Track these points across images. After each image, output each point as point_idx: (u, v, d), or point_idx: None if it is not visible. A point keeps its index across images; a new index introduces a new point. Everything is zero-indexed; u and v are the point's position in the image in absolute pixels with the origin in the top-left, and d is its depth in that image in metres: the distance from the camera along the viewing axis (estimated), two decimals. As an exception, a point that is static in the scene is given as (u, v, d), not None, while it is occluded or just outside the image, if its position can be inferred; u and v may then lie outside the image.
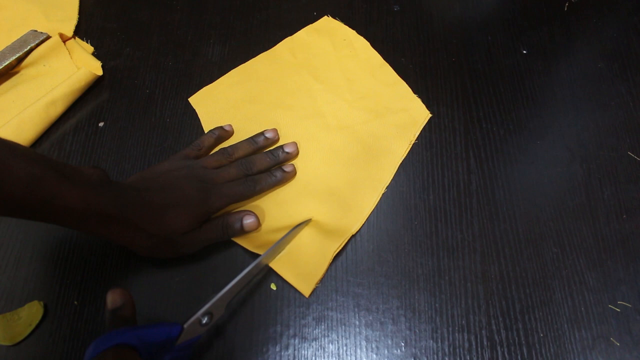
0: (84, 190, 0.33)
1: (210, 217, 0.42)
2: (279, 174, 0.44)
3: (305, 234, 0.43)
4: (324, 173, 0.46)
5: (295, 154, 0.46)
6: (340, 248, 0.42)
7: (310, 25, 0.56)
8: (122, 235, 0.36)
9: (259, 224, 0.42)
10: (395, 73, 0.52)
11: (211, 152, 0.47)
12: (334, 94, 0.51)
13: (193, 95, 0.51)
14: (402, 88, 0.51)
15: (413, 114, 0.49)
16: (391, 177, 0.46)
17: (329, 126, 0.49)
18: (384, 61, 0.53)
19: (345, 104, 0.50)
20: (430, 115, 0.49)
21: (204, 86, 0.52)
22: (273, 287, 0.41)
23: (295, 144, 0.46)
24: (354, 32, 0.55)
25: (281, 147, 0.46)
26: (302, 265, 0.41)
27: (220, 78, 0.52)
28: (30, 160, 0.31)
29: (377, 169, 0.46)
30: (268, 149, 0.46)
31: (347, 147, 0.47)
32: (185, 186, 0.40)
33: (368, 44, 0.54)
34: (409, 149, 0.47)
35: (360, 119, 0.49)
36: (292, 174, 0.45)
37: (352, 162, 0.47)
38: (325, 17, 0.56)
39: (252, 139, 0.47)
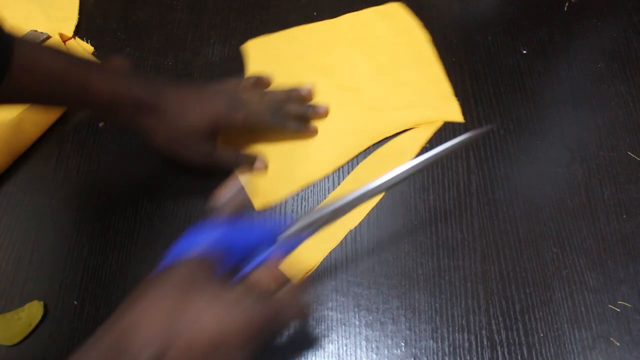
0: (115, 77, 0.38)
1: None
2: (302, 125, 0.47)
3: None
4: (340, 147, 0.48)
5: (323, 115, 0.48)
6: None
7: (379, 6, 0.57)
8: (146, 122, 0.39)
9: (265, 170, 0.46)
10: (443, 72, 0.52)
11: None
12: (377, 74, 0.52)
13: (251, 40, 0.54)
14: (444, 87, 0.51)
15: (444, 114, 0.49)
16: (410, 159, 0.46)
17: (361, 102, 0.50)
18: (436, 58, 0.53)
19: (383, 86, 0.51)
20: (462, 121, 0.49)
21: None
22: None
23: (326, 107, 0.48)
24: (417, 23, 0.55)
25: (312, 105, 0.48)
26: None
27: (279, 32, 0.55)
28: (61, 54, 0.36)
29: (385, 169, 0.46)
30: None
31: (370, 127, 0.48)
32: (215, 94, 0.43)
33: (426, 38, 0.54)
34: (418, 151, 0.47)
35: (392, 105, 0.50)
36: (312, 133, 0.47)
37: (368, 144, 0.48)
38: (397, 2, 0.57)
39: (287, 90, 0.48)
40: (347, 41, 0.54)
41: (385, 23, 0.55)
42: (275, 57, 0.53)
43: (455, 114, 0.49)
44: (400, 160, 0.46)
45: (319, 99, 0.50)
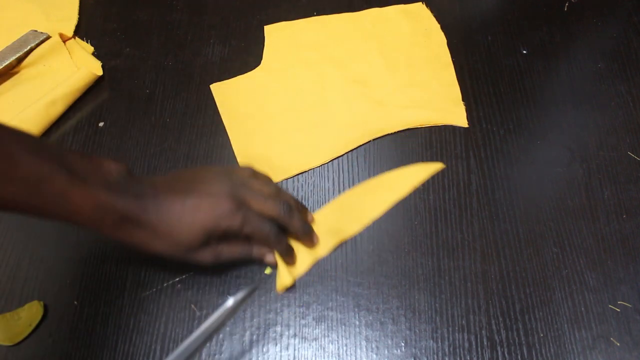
0: (96, 190, 0.32)
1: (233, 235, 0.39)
2: (287, 250, 0.41)
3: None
4: (341, 138, 0.48)
5: (313, 245, 0.42)
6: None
7: (402, 5, 0.57)
8: (137, 238, 0.35)
9: (275, 264, 0.41)
10: (455, 76, 0.52)
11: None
12: (389, 71, 0.52)
13: (273, 24, 0.55)
14: (455, 92, 0.51)
15: (450, 118, 0.49)
16: (399, 198, 0.45)
17: (369, 96, 0.50)
18: (451, 62, 0.53)
19: (393, 83, 0.51)
20: (467, 126, 0.49)
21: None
22: (267, 271, 0.42)
23: (318, 238, 0.43)
24: (438, 26, 0.55)
25: (313, 233, 0.42)
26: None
27: (301, 20, 0.56)
28: (40, 156, 0.30)
29: (392, 181, 0.46)
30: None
31: (374, 122, 0.49)
32: (215, 195, 0.37)
33: (445, 41, 0.54)
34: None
35: (400, 103, 0.50)
36: (290, 263, 0.42)
37: (368, 138, 0.48)
38: (420, 3, 0.57)
39: (298, 201, 0.44)
40: (366, 35, 0.55)
41: (407, 22, 0.56)
42: (292, 43, 0.55)
43: (460, 119, 0.49)
44: (390, 196, 0.45)
45: (328, 90, 0.51)
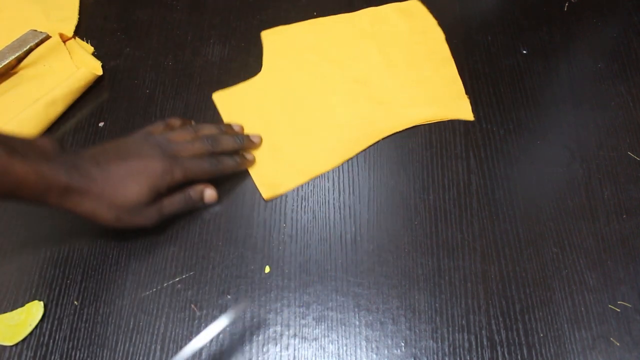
0: (37, 163, 0.34)
1: (171, 189, 0.41)
2: (239, 159, 0.45)
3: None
4: (348, 140, 0.48)
5: (258, 145, 0.47)
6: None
7: (398, 3, 0.57)
8: (83, 207, 0.37)
9: (217, 197, 0.44)
10: (456, 70, 0.52)
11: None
12: (390, 70, 0.52)
13: (269, 29, 0.55)
14: (457, 86, 0.51)
15: (455, 112, 0.49)
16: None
17: (372, 96, 0.50)
18: (451, 57, 0.53)
19: (395, 82, 0.51)
20: (472, 119, 0.49)
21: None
22: (267, 269, 0.42)
23: (259, 137, 0.48)
24: (435, 22, 0.55)
25: (248, 135, 0.47)
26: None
27: (297, 23, 0.56)
28: None
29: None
30: (233, 135, 0.47)
31: (380, 122, 0.49)
32: (148, 157, 0.40)
33: (443, 37, 0.54)
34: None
35: (402, 102, 0.50)
36: (251, 162, 0.46)
37: (376, 139, 0.49)
38: (415, 0, 0.57)
39: (217, 124, 0.47)
40: (364, 35, 0.55)
41: (403, 20, 0.56)
42: (291, 46, 0.54)
43: (465, 112, 0.49)
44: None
45: (328, 91, 0.51)
